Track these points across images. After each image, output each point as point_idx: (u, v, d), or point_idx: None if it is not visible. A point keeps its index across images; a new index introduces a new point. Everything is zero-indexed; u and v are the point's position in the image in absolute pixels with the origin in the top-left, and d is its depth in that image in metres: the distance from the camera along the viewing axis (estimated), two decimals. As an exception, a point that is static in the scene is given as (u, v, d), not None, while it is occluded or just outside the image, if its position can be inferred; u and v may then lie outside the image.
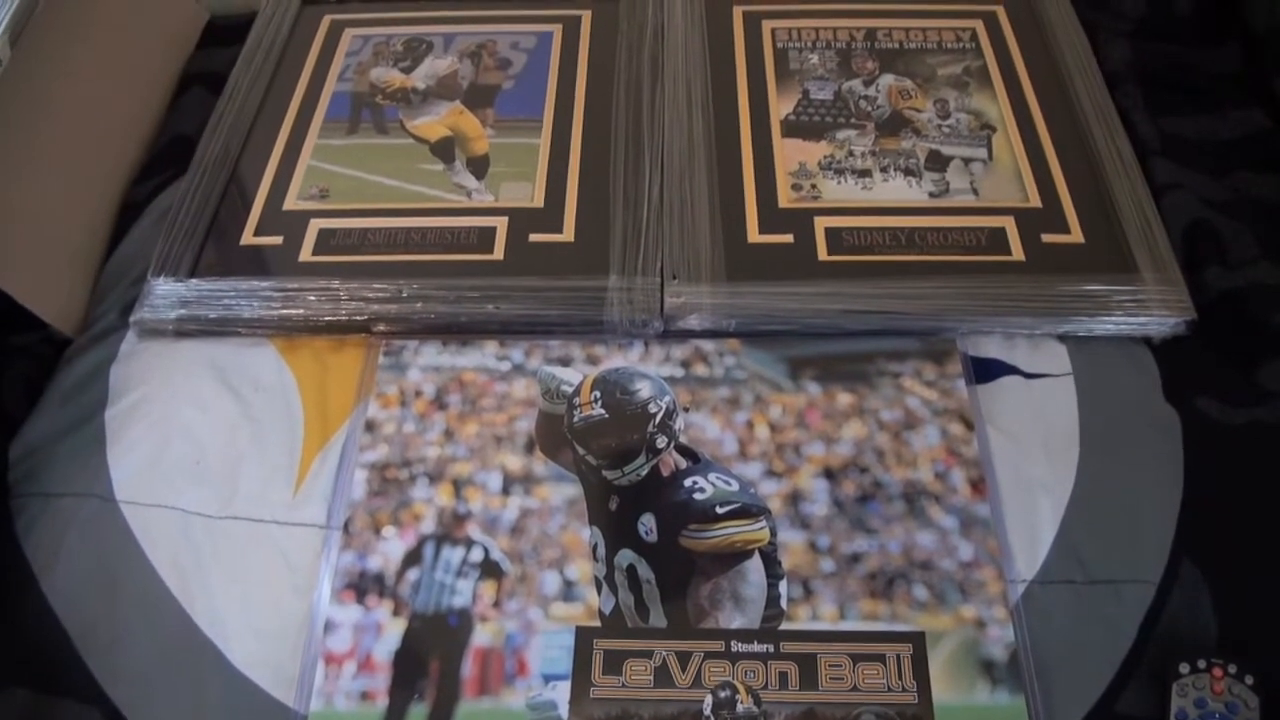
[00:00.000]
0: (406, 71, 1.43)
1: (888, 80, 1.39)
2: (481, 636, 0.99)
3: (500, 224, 1.24)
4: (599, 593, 1.01)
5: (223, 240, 1.24)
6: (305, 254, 1.22)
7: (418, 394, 1.15)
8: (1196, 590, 0.99)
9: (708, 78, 1.38)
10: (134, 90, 1.42)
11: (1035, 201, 1.24)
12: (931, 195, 1.26)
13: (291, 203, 1.27)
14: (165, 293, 1.18)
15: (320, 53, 1.47)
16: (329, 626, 1.00)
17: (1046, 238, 1.20)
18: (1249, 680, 0.91)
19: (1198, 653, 0.93)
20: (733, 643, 0.96)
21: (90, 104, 1.32)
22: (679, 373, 1.15)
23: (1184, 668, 0.93)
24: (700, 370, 1.16)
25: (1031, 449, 1.09)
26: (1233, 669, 0.92)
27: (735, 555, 1.00)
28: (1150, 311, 1.14)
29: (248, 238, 1.24)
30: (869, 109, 1.36)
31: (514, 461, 1.10)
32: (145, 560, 1.03)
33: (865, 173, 1.28)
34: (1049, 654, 0.96)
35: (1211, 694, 0.91)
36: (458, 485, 1.08)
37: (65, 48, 1.28)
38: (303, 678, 0.97)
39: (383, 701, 0.96)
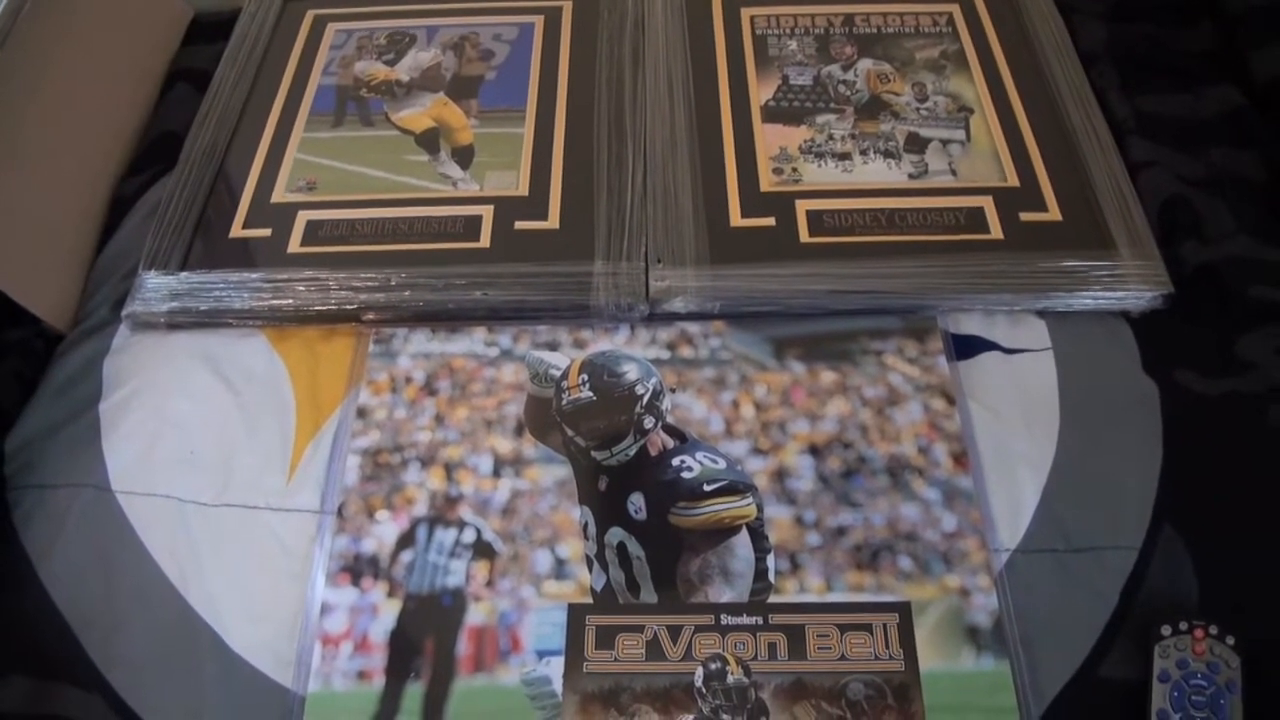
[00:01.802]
0: (390, 64, 1.44)
1: (866, 65, 1.40)
2: (475, 615, 1.01)
3: (486, 212, 1.25)
4: (590, 570, 1.03)
5: (212, 233, 1.25)
6: (294, 245, 1.23)
7: (408, 380, 1.16)
8: (1177, 555, 1.01)
9: (688, 65, 1.40)
10: (121, 87, 1.43)
11: (1013, 181, 1.26)
12: (911, 177, 1.27)
13: (279, 195, 1.29)
14: (156, 286, 1.19)
15: (304, 47, 1.47)
16: (325, 609, 1.01)
17: (1025, 216, 1.22)
18: (1230, 641, 0.93)
19: (1179, 615, 0.95)
20: (722, 616, 0.98)
21: (78, 102, 1.33)
22: (665, 355, 1.16)
23: (1166, 630, 0.94)
24: (686, 352, 1.17)
25: (1012, 422, 1.10)
26: (1214, 630, 0.93)
27: (723, 531, 1.02)
28: (1128, 286, 1.15)
29: (237, 230, 1.25)
30: (848, 93, 1.37)
31: (504, 444, 1.11)
32: (142, 548, 1.04)
33: (845, 156, 1.30)
34: (1033, 620, 0.98)
35: (1193, 655, 0.93)
36: (449, 468, 1.10)
37: (52, 46, 1.28)
38: (300, 659, 0.99)
39: (379, 681, 0.97)
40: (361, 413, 1.13)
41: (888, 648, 0.96)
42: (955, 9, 1.46)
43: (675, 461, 1.04)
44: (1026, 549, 1.02)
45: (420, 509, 1.07)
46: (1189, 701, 0.91)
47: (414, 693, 0.96)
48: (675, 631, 0.97)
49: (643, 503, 1.03)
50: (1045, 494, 1.05)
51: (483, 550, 1.05)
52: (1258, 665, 0.93)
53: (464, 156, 1.33)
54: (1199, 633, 0.94)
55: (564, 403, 1.07)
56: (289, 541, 1.05)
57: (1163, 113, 1.34)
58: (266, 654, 0.99)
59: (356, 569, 1.03)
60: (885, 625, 0.97)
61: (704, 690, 0.94)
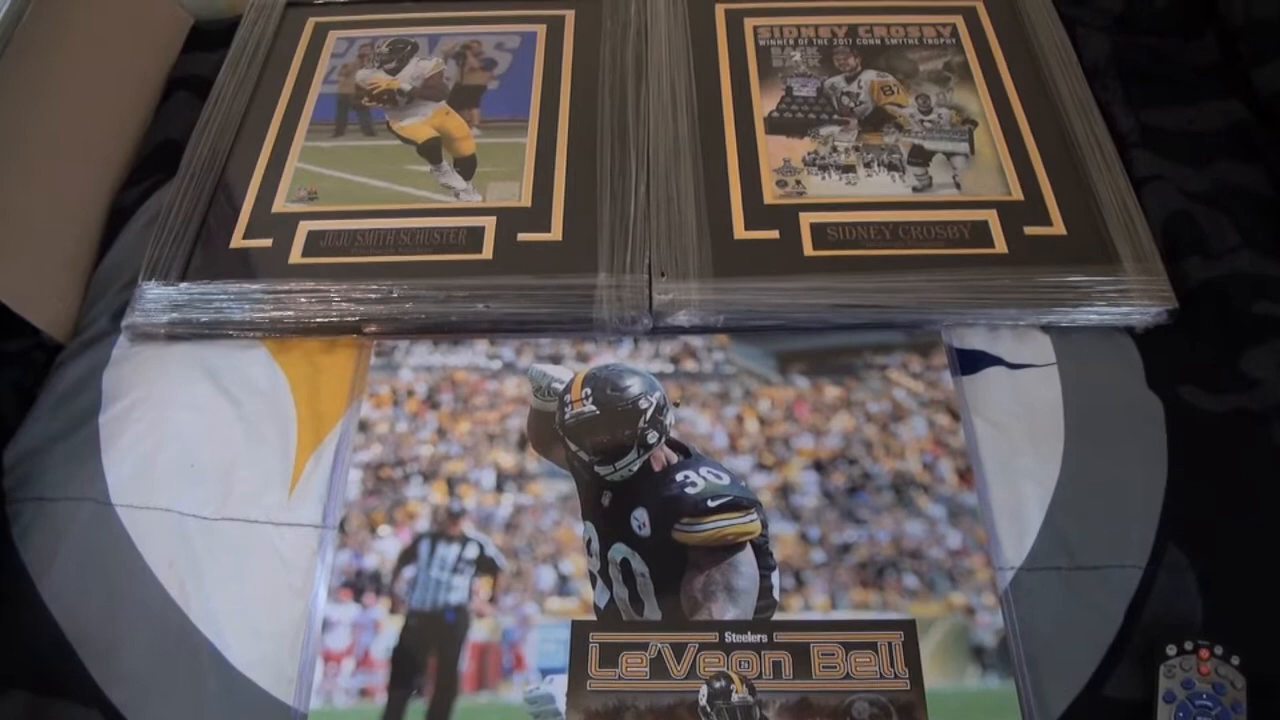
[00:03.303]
0: (392, 73, 1.44)
1: (870, 76, 1.40)
2: (478, 632, 1.00)
3: (488, 224, 1.24)
4: (594, 587, 1.02)
5: (212, 244, 1.24)
6: (295, 256, 1.22)
7: (410, 394, 1.15)
8: (1182, 574, 1.01)
9: (691, 76, 1.39)
10: (120, 96, 1.42)
11: (1017, 194, 1.26)
12: (915, 190, 1.27)
13: (280, 205, 1.28)
14: (156, 297, 1.18)
15: (305, 55, 1.47)
16: (327, 625, 1.00)
17: (1029, 230, 1.22)
18: (1235, 661, 0.93)
19: (1184, 635, 0.95)
20: (727, 634, 0.97)
21: (77, 110, 1.32)
22: (668, 368, 1.16)
23: (1171, 650, 0.94)
24: (689, 366, 1.17)
25: (1017, 438, 1.10)
26: (1219, 650, 0.93)
27: (727, 548, 1.01)
28: (1132, 301, 1.15)
29: (237, 241, 1.25)
30: (851, 105, 1.37)
31: (507, 459, 1.11)
32: (142, 562, 1.04)
33: (849, 168, 1.29)
34: (1038, 639, 0.98)
35: (1198, 675, 0.93)
36: (451, 483, 1.09)
37: (51, 54, 1.28)
38: (302, 676, 0.98)
39: (382, 698, 0.97)
40: (363, 426, 1.13)
41: (893, 666, 0.96)
42: (959, 20, 1.46)
43: (679, 477, 1.04)
44: (1031, 567, 1.02)
45: (422, 524, 1.07)
46: (1195, 722, 0.92)
47: (416, 710, 0.96)
48: (679, 649, 0.96)
49: (646, 518, 1.02)
50: (1050, 511, 1.05)
51: (485, 566, 1.04)
52: (1263, 685, 0.93)
53: (466, 167, 1.32)
54: (1204, 653, 0.93)
55: (567, 417, 1.07)
56: (290, 556, 1.05)
57: (1166, 126, 1.34)
58: (268, 670, 0.99)
59: (358, 585, 1.03)
60: (890, 644, 0.97)
61: (708, 709, 0.93)
